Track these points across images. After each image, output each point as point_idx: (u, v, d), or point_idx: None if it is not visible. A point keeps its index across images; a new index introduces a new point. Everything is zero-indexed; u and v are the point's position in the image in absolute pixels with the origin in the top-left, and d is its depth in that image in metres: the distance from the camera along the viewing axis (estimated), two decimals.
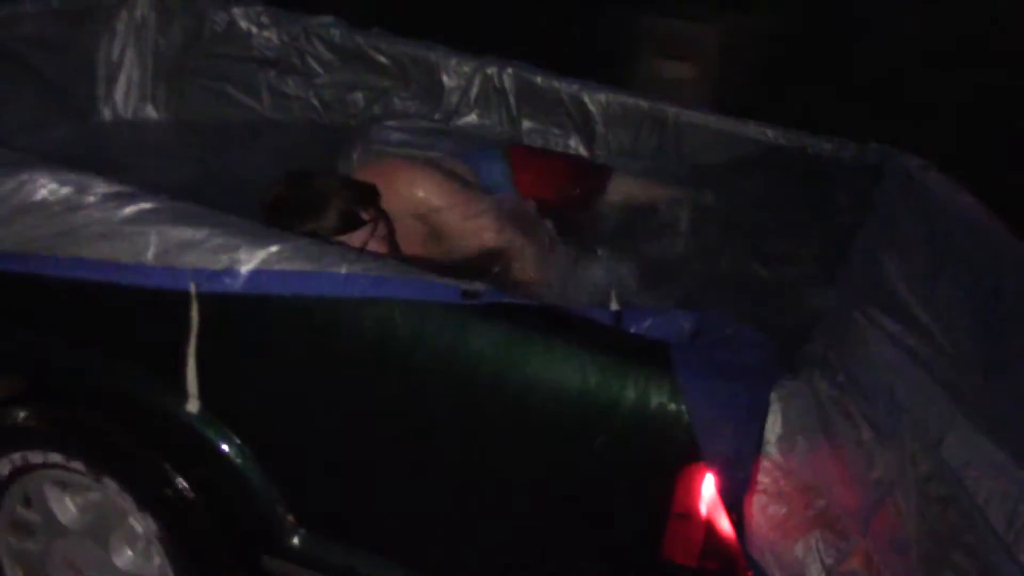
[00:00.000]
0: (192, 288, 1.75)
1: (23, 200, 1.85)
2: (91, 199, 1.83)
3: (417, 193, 2.45)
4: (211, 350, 1.79)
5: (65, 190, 1.84)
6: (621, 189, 2.83)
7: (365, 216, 2.28)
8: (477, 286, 1.65)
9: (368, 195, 2.32)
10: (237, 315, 1.78)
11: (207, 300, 1.76)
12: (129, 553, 2.05)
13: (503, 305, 1.63)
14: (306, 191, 2.27)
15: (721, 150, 2.89)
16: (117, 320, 1.89)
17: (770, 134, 2.83)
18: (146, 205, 1.81)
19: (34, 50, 3.07)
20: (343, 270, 1.70)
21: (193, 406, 1.82)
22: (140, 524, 1.97)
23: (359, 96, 3.29)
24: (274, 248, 1.72)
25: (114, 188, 1.84)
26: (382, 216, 2.33)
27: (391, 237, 2.35)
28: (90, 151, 2.96)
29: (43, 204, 1.84)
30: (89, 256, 1.81)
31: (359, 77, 3.28)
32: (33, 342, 1.97)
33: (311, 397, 1.78)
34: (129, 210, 1.80)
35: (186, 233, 1.77)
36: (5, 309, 1.97)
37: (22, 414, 1.98)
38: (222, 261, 1.73)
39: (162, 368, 1.83)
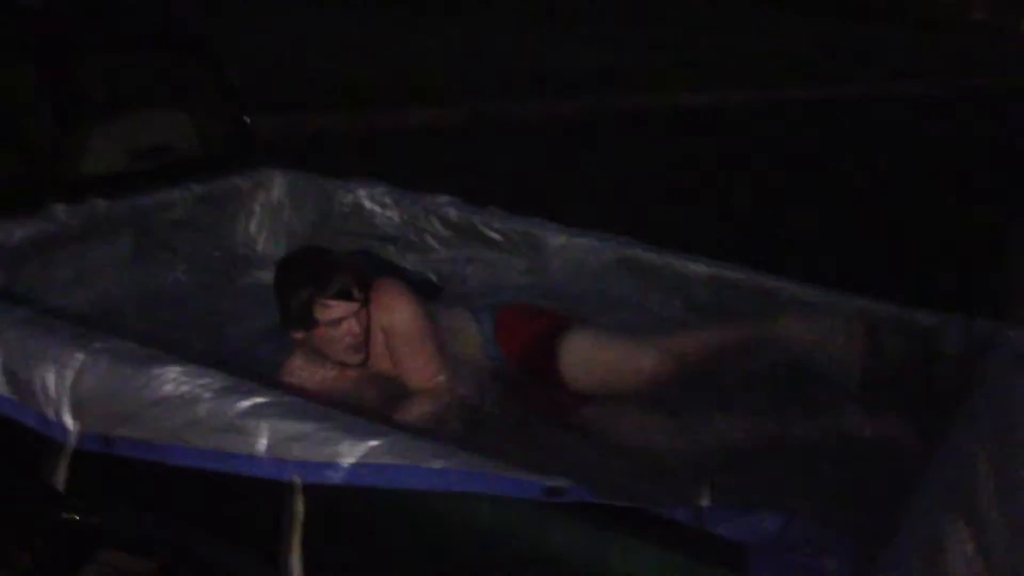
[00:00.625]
0: (297, 480, 1.88)
1: (152, 394, 2.04)
2: (209, 393, 1.99)
3: (393, 312, 2.68)
4: (313, 539, 1.90)
5: (187, 385, 2.01)
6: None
7: (356, 295, 2.59)
8: (562, 483, 1.73)
9: (363, 280, 2.65)
10: (339, 505, 1.88)
11: (311, 491, 1.88)
12: None
13: (587, 504, 1.70)
14: (314, 258, 2.70)
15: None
16: (230, 507, 2.02)
17: (871, 307, 2.84)
18: (259, 400, 1.96)
19: (180, 231, 3.35)
20: (435, 465, 1.80)
21: None
22: None
23: (473, 270, 3.45)
24: (373, 443, 1.84)
25: (230, 383, 2.01)
26: (365, 304, 2.63)
27: (366, 326, 2.64)
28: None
29: (169, 397, 2.02)
30: (207, 447, 1.97)
31: (473, 252, 3.45)
32: (160, 527, 2.11)
33: None
34: (243, 404, 1.96)
35: (294, 427, 1.90)
36: (136, 494, 2.12)
37: None
38: (325, 454, 1.86)
39: (269, 554, 1.94)
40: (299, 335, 2.64)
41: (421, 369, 2.68)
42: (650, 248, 3.20)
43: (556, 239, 3.31)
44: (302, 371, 2.68)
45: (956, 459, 1.94)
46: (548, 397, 2.78)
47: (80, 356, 2.12)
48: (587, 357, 2.79)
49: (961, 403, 2.21)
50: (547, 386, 2.79)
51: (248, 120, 3.63)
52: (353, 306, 2.60)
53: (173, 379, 2.03)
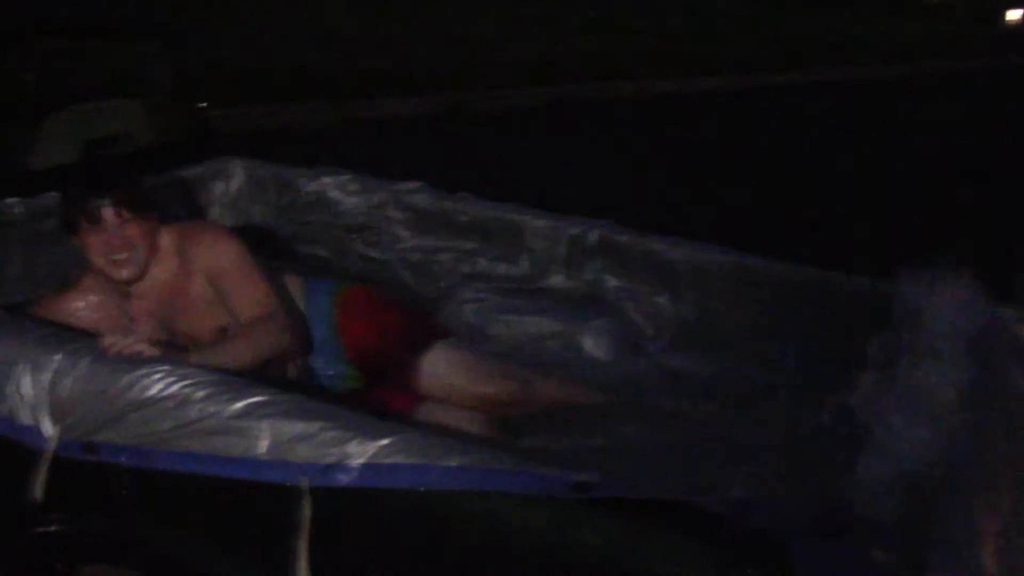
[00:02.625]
0: (304, 483, 1.78)
1: (138, 395, 1.91)
2: (202, 393, 1.88)
3: (215, 248, 2.51)
4: (322, 545, 1.80)
5: (176, 384, 1.89)
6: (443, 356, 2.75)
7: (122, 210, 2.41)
8: (588, 478, 1.65)
9: (143, 203, 2.47)
10: (348, 507, 1.78)
11: (318, 495, 1.77)
12: None
13: (618, 499, 1.63)
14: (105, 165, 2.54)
15: (798, 300, 2.87)
16: (229, 512, 1.91)
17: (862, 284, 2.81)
18: (257, 399, 1.85)
19: None
20: (453, 463, 1.71)
21: None
22: None
23: (444, 258, 3.36)
24: (384, 441, 1.74)
25: (225, 383, 1.90)
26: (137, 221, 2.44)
27: (138, 245, 2.45)
28: None
29: (157, 399, 1.90)
30: (202, 451, 1.86)
31: (444, 240, 3.36)
32: (147, 534, 1.99)
33: None
34: (240, 405, 1.84)
35: (297, 427, 1.80)
36: (121, 501, 2.00)
37: None
38: (333, 455, 1.76)
39: (275, 561, 1.83)
40: (74, 239, 2.46)
41: (254, 295, 2.45)
42: (630, 232, 3.13)
43: (531, 223, 3.22)
44: (88, 292, 2.54)
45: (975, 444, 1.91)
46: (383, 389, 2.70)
47: (57, 357, 1.99)
48: (446, 374, 2.71)
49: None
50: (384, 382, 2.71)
51: (204, 109, 3.49)
52: (147, 226, 2.46)
53: (160, 378, 1.91)
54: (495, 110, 10.43)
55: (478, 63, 11.89)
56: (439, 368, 2.71)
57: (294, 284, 2.74)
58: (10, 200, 2.81)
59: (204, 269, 2.50)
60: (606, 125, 10.13)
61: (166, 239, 2.54)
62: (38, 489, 2.01)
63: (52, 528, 2.04)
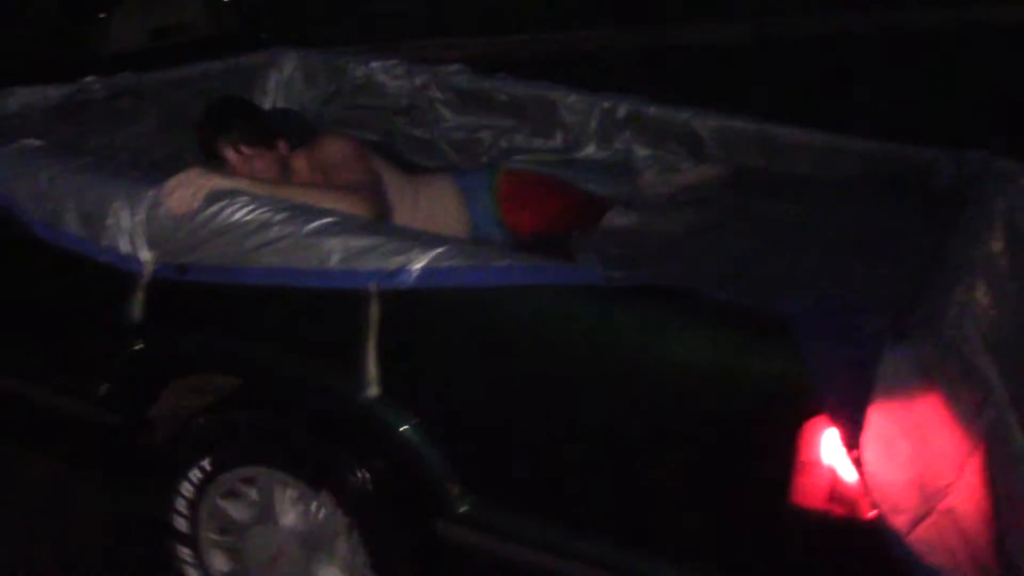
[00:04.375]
0: (372, 287, 2.05)
1: (224, 221, 2.19)
2: (280, 217, 2.15)
3: (324, 147, 2.86)
4: (388, 342, 2.07)
5: (258, 211, 2.17)
6: (619, 220, 3.03)
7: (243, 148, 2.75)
8: (619, 272, 1.91)
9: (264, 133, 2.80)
10: (410, 309, 2.05)
11: (384, 297, 2.05)
12: (307, 533, 2.31)
13: (642, 286, 1.89)
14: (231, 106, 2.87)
15: (826, 167, 3.09)
16: (305, 320, 2.18)
17: (872, 148, 3.03)
18: (327, 220, 2.12)
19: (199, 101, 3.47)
20: (501, 263, 1.98)
21: (374, 392, 2.10)
22: (320, 507, 2.24)
23: (485, 136, 3.60)
24: (440, 249, 2.01)
25: (300, 208, 2.17)
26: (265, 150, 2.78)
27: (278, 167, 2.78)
28: None
29: (240, 224, 2.17)
30: (280, 265, 2.13)
31: (484, 118, 3.59)
32: (236, 347, 2.28)
33: (475, 376, 2.04)
34: (314, 224, 2.12)
35: (363, 241, 2.07)
36: (215, 316, 2.28)
37: (229, 413, 2.28)
38: (397, 262, 2.03)
39: (345, 361, 2.11)
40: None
41: (348, 177, 2.69)
42: (658, 105, 3.35)
43: (565, 99, 3.44)
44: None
45: (967, 244, 2.16)
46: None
47: (151, 192, 2.26)
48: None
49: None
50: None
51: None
52: (271, 157, 2.78)
53: (242, 206, 2.18)
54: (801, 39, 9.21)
55: None
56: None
57: (444, 183, 3.05)
58: (89, 79, 3.07)
59: (321, 166, 2.81)
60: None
61: (300, 160, 2.86)
62: (136, 310, 2.30)
63: (148, 345, 2.33)
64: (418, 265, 2.01)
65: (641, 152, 3.38)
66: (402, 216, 2.88)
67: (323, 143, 2.89)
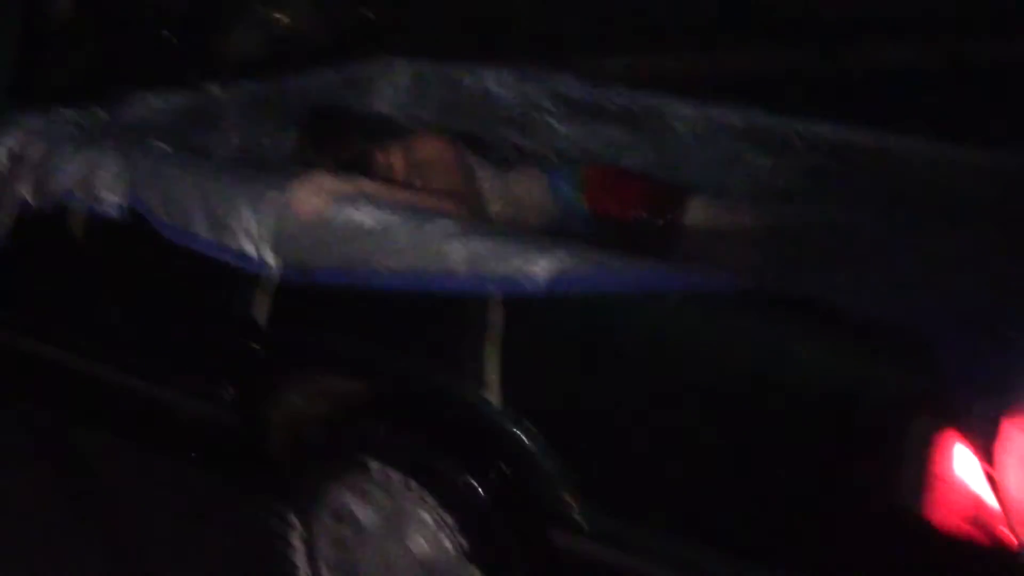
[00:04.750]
0: (496, 292, 2.04)
1: (348, 225, 2.20)
2: (405, 221, 2.16)
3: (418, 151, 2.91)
4: (511, 348, 2.06)
5: (384, 215, 2.18)
6: (701, 212, 3.03)
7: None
8: (752, 280, 1.87)
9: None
10: (534, 316, 2.04)
11: (508, 303, 2.03)
12: (423, 542, 2.31)
13: (778, 294, 1.85)
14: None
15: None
16: (428, 325, 2.19)
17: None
18: (451, 224, 2.12)
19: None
20: (627, 269, 1.95)
21: (494, 399, 2.09)
22: (437, 515, 2.23)
23: (594, 147, 3.57)
24: (567, 253, 1.99)
25: (425, 213, 2.18)
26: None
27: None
28: None
29: (365, 228, 2.19)
30: (406, 269, 2.14)
31: (595, 129, 3.57)
32: (360, 350, 2.29)
33: (600, 385, 2.02)
34: (438, 228, 2.12)
35: (489, 244, 2.06)
36: (339, 319, 2.30)
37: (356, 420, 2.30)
38: (522, 267, 2.01)
39: (467, 367, 2.10)
40: None
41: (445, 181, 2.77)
42: (783, 116, 3.28)
43: (680, 111, 3.40)
44: None
45: None
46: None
47: (278, 196, 2.29)
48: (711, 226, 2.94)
49: None
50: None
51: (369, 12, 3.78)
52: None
53: (368, 210, 2.20)
54: None
55: None
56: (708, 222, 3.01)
57: (533, 178, 3.08)
58: (212, 85, 3.14)
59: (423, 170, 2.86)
60: None
61: (398, 159, 2.91)
62: (262, 312, 2.33)
63: (272, 347, 2.36)
64: (544, 270, 1.99)
65: (760, 163, 3.31)
66: (493, 210, 2.92)
67: (419, 144, 2.95)
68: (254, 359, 2.38)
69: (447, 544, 2.22)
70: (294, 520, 2.38)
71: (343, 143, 2.86)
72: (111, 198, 2.49)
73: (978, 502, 1.69)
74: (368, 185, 2.38)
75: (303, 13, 3.66)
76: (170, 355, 2.56)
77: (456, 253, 2.08)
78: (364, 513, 2.32)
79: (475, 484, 2.15)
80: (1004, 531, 1.67)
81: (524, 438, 2.07)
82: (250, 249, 2.31)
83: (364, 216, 2.19)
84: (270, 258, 2.30)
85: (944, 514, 1.72)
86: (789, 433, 1.85)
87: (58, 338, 2.73)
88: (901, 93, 5.60)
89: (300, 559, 2.41)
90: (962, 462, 1.68)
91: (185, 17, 3.41)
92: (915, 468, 1.71)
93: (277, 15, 3.58)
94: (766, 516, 1.91)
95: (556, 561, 2.12)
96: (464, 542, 2.19)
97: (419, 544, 2.26)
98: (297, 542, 2.40)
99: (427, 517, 2.23)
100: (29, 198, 2.63)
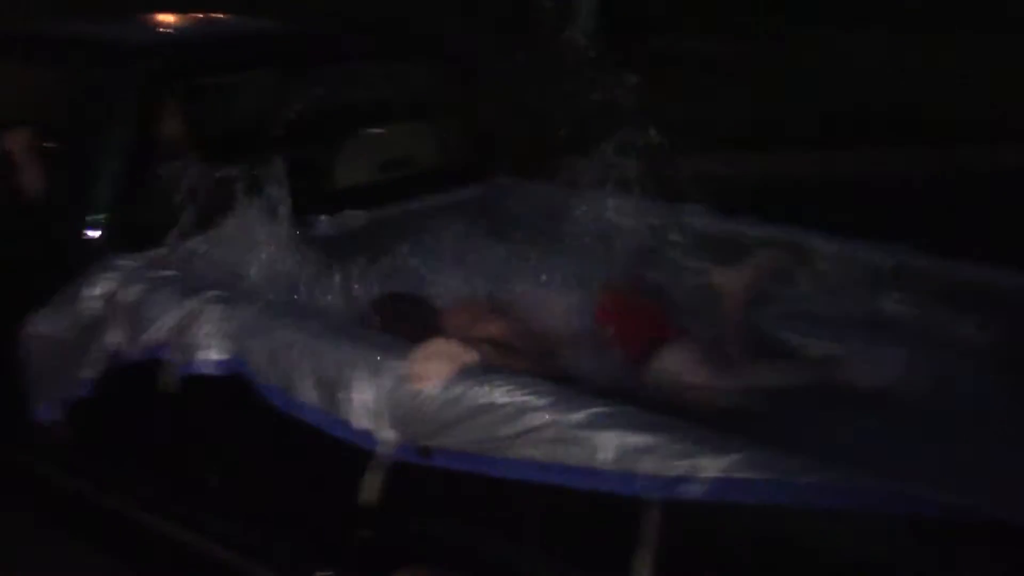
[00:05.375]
0: (650, 495, 1.75)
1: (475, 402, 1.94)
2: (543, 402, 1.89)
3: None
4: (665, 559, 1.76)
5: (518, 393, 1.91)
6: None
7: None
8: (968, 500, 1.56)
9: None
10: (696, 523, 1.75)
11: (664, 507, 1.74)
12: None
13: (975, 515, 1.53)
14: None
15: None
16: (566, 523, 1.90)
17: None
18: (599, 409, 1.84)
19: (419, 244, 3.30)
20: (812, 479, 1.65)
21: None
22: None
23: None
24: (736, 456, 1.70)
25: (565, 392, 1.90)
26: None
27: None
28: None
29: (496, 406, 1.92)
30: (541, 459, 1.86)
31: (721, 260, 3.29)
32: (480, 540, 2.01)
33: None
34: (582, 414, 1.84)
35: (642, 439, 1.78)
36: (459, 506, 2.03)
37: None
38: (680, 468, 1.73)
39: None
40: None
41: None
42: (930, 257, 2.97)
43: (824, 246, 3.11)
44: None
45: None
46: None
47: (397, 363, 2.04)
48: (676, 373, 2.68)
49: None
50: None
51: (485, 130, 3.58)
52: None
53: (500, 387, 1.93)
54: None
55: None
56: (668, 367, 2.71)
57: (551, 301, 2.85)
58: (324, 218, 2.95)
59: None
60: None
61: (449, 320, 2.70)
62: (371, 492, 2.07)
63: (383, 532, 2.09)
64: (708, 473, 1.70)
65: (909, 310, 2.99)
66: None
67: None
68: (360, 545, 2.11)
69: None
70: None
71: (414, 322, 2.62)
72: (209, 354, 2.28)
73: None
74: (502, 354, 2.12)
75: (417, 139, 3.47)
76: (266, 530, 2.30)
77: (602, 444, 1.80)
78: None
79: None
80: None
81: None
82: (363, 421, 2.06)
83: (494, 393, 1.93)
84: (385, 433, 2.04)
85: None
86: None
87: (143, 500, 2.50)
88: None
89: None
90: None
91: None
92: None
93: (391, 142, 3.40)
94: None
95: None
96: None
97: None
98: None
99: None
100: (122, 346, 2.42)
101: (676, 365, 2.72)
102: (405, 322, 2.61)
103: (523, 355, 2.50)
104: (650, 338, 2.79)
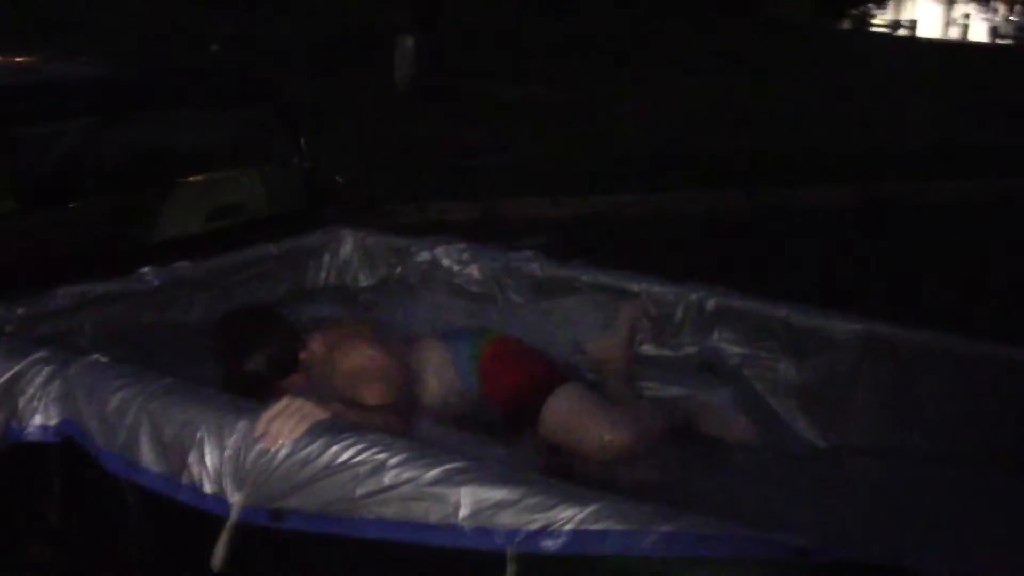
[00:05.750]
0: (508, 550, 1.76)
1: (327, 462, 1.91)
2: (396, 460, 1.87)
3: (353, 364, 2.64)
4: None
5: (372, 452, 1.89)
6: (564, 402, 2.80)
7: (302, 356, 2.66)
8: (808, 542, 1.64)
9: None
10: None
11: (523, 562, 1.76)
12: None
13: (846, 562, 1.61)
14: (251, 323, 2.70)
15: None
16: None
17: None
18: (454, 465, 1.84)
19: (255, 285, 3.25)
20: (666, 528, 1.70)
21: None
22: None
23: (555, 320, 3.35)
24: (593, 507, 1.73)
25: (419, 449, 1.89)
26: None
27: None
28: None
29: (349, 465, 1.89)
30: (397, 517, 1.85)
31: (556, 305, 3.35)
32: None
33: None
34: (438, 471, 1.84)
35: (498, 493, 1.79)
36: (314, 571, 1.98)
37: None
38: (538, 521, 1.75)
39: None
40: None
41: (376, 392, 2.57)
42: (749, 298, 3.11)
43: (648, 290, 3.21)
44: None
45: None
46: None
47: (242, 423, 1.99)
48: (567, 419, 2.76)
49: None
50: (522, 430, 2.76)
51: (315, 177, 3.54)
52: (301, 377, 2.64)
53: (352, 445, 1.91)
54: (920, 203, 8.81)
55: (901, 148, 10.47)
56: (562, 409, 2.77)
57: (432, 346, 2.84)
58: (144, 270, 2.84)
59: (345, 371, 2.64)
60: None
61: (317, 345, 2.70)
62: (220, 558, 2.00)
63: None
64: (565, 526, 1.73)
65: (731, 349, 3.13)
66: (410, 393, 2.71)
67: (344, 353, 2.68)
68: None
69: None
70: None
71: (261, 343, 2.62)
72: (36, 419, 2.16)
73: None
74: (352, 412, 2.09)
75: (248, 186, 3.40)
76: None
77: (459, 500, 1.80)
78: None
79: None
80: None
81: None
82: (209, 485, 1.99)
83: (347, 451, 1.90)
84: (233, 496, 1.98)
85: None
86: None
87: None
88: None
89: None
90: None
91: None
92: None
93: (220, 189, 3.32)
94: None
95: None
96: None
97: None
98: None
99: None
100: None
101: (573, 403, 2.78)
102: (256, 345, 2.59)
103: (389, 408, 2.49)
104: (544, 382, 2.83)
